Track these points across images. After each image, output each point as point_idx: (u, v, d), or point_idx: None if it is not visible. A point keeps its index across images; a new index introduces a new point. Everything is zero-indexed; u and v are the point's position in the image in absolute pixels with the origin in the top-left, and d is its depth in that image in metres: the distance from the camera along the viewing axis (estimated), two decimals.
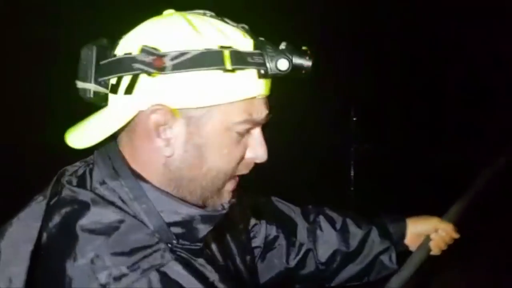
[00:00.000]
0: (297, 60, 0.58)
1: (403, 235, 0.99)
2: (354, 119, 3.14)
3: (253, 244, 0.92)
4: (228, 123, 0.58)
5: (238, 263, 0.78)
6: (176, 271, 0.57)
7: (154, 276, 0.55)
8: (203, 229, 0.61)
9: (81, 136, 0.60)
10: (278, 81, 0.62)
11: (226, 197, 0.65)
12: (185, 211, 0.60)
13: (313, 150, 3.17)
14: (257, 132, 0.63)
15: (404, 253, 1.01)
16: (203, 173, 0.60)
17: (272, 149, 0.65)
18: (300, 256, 0.95)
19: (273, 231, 0.95)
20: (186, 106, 0.56)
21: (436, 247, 1.00)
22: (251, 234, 0.93)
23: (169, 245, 0.59)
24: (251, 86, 0.58)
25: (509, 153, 1.11)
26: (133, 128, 0.59)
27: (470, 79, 3.68)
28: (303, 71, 0.59)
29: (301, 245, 0.96)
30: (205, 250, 0.65)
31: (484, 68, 3.52)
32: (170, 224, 0.59)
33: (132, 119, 0.58)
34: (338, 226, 0.99)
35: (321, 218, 0.99)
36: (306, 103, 2.93)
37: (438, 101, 3.81)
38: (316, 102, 3.03)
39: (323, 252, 0.96)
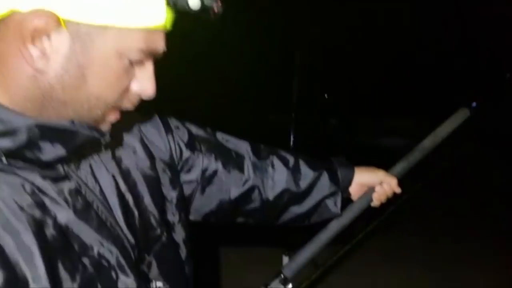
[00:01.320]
0: (208, 2, 0.55)
1: (350, 182, 1.00)
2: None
3: (188, 178, 0.88)
4: (123, 48, 0.53)
5: (132, 201, 0.71)
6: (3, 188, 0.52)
7: None
8: (50, 151, 0.55)
9: None
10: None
11: (103, 127, 0.61)
12: (17, 120, 0.52)
13: None
14: (149, 65, 0.59)
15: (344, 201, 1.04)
16: (80, 97, 0.54)
17: None
18: (243, 191, 0.93)
19: (212, 165, 0.90)
20: (77, 19, 0.49)
21: (377, 199, 1.02)
22: (186, 168, 0.88)
23: None
24: (157, 15, 0.54)
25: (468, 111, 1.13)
26: (1, 28, 0.51)
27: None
28: (212, 14, 0.57)
29: (246, 180, 0.93)
30: (68, 181, 0.60)
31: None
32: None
33: (3, 20, 0.50)
34: (290, 165, 0.97)
35: (274, 157, 0.97)
36: None
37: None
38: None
39: (271, 190, 0.95)
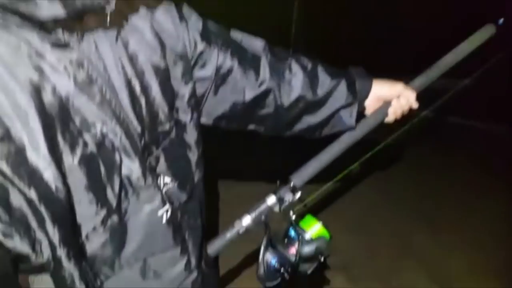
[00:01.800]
0: None
1: (367, 94, 0.95)
2: None
3: (202, 74, 0.82)
4: None
5: (137, 85, 0.67)
6: None
7: None
8: (47, 7, 0.54)
9: None
10: None
11: None
12: None
13: None
14: None
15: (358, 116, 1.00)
16: None
17: None
18: (258, 93, 0.87)
19: (227, 61, 0.84)
20: None
21: (392, 114, 0.98)
22: (200, 62, 0.81)
23: None
24: None
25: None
26: None
27: None
28: None
29: (262, 82, 0.87)
30: (70, 50, 0.58)
31: None
32: None
33: None
34: (308, 70, 0.91)
35: (292, 60, 0.90)
36: None
37: None
38: None
39: (287, 96, 0.89)
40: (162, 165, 0.73)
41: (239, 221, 0.92)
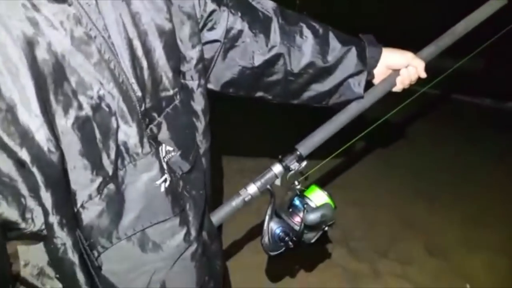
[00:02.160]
0: None
1: (376, 62, 0.94)
2: None
3: (211, 37, 0.80)
4: None
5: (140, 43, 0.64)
6: None
7: None
8: None
9: None
10: None
11: None
12: None
13: None
14: None
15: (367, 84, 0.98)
16: None
17: None
18: (268, 58, 0.85)
19: (237, 24, 0.81)
20: None
21: (400, 83, 0.97)
22: (209, 24, 0.79)
23: None
24: None
25: None
26: None
27: None
28: None
29: (273, 46, 0.85)
30: (67, 4, 0.55)
31: None
32: None
33: None
34: (319, 35, 0.89)
35: (303, 24, 0.88)
36: None
37: None
38: None
39: (297, 62, 0.87)
40: (164, 133, 0.70)
41: (245, 190, 0.92)
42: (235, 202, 0.92)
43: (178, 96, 0.72)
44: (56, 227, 0.56)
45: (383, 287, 2.03)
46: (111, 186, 0.63)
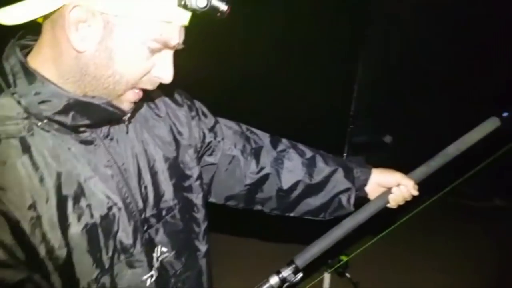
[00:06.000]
0: (215, 2, 0.65)
1: (365, 181, 1.03)
2: None
3: (209, 160, 0.97)
4: (141, 37, 0.65)
5: (148, 173, 0.80)
6: (39, 142, 0.65)
7: (15, 141, 0.63)
8: (76, 118, 0.67)
9: (9, 15, 0.63)
10: None
11: (125, 106, 0.72)
12: (61, 94, 0.65)
13: None
14: (167, 55, 0.70)
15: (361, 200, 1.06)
16: (108, 74, 0.66)
17: None
18: (257, 178, 1.00)
19: (231, 151, 0.99)
20: (106, 11, 0.62)
21: (394, 201, 1.04)
22: (208, 151, 0.97)
23: (39, 124, 0.65)
24: (170, 11, 0.65)
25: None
26: (56, 18, 0.64)
27: None
28: (219, 14, 0.67)
29: (262, 168, 1.00)
30: (94, 145, 0.71)
31: None
32: (41, 103, 0.65)
33: (58, 10, 0.63)
34: (306, 158, 1.03)
35: (291, 149, 1.03)
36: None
37: None
38: None
39: (287, 180, 1.01)
40: (161, 236, 0.82)
41: None
42: None
43: (177, 206, 0.85)
44: None
45: None
46: (106, 277, 0.73)
